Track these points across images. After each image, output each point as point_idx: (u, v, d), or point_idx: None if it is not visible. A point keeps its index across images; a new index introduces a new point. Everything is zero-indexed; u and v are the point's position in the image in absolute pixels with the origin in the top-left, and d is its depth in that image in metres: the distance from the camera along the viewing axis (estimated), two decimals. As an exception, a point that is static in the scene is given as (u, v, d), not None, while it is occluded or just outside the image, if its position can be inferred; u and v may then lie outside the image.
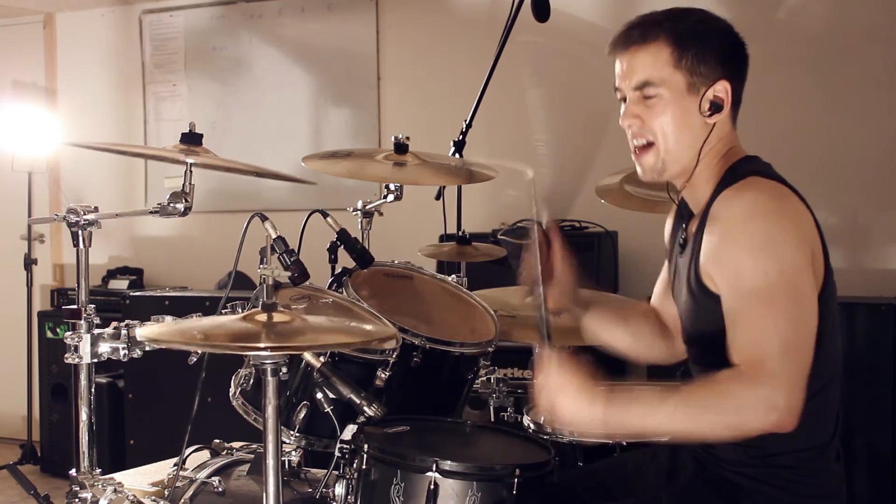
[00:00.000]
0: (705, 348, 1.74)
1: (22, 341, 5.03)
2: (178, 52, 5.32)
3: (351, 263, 2.36)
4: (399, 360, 2.12)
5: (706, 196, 1.73)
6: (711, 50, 1.71)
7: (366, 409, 1.94)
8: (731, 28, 1.77)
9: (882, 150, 3.95)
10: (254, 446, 2.37)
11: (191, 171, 2.07)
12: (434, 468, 1.79)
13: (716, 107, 1.71)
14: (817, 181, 3.96)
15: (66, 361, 2.00)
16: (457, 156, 2.97)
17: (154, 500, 2.17)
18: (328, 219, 2.34)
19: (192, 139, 2.13)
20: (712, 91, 1.71)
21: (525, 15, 2.90)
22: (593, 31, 4.28)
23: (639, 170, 1.80)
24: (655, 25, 1.72)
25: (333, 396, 1.97)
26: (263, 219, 1.97)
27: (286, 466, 2.19)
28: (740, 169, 1.71)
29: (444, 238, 3.44)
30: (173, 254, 5.34)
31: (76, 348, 1.99)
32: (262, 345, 1.67)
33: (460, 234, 3.07)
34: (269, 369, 1.75)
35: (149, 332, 1.83)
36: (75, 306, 2.01)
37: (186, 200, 2.04)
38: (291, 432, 2.12)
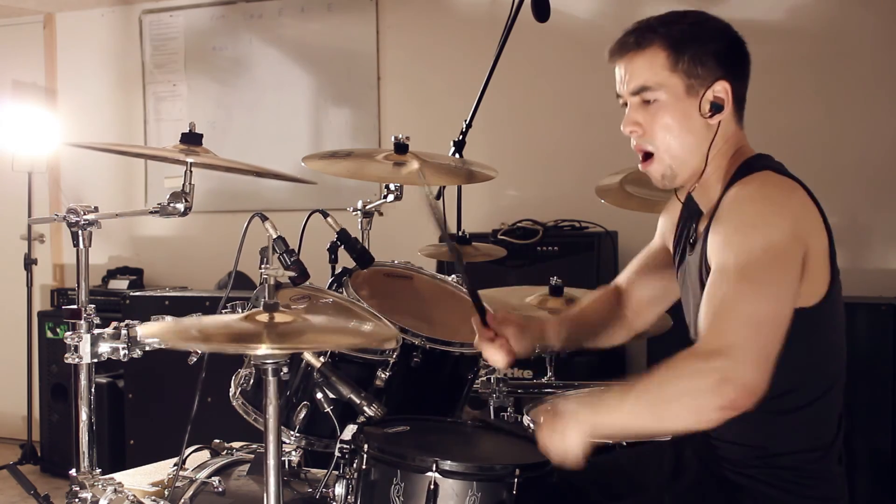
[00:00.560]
0: None
1: (22, 341, 5.03)
2: (178, 52, 5.32)
3: (351, 263, 2.36)
4: (399, 360, 2.12)
5: (717, 195, 1.73)
6: (707, 51, 1.71)
7: (366, 409, 1.94)
8: (729, 28, 1.76)
9: (882, 150, 3.95)
10: (254, 446, 2.37)
11: (191, 171, 2.07)
12: (434, 468, 1.79)
13: (716, 107, 1.71)
14: (817, 181, 3.90)
15: (66, 361, 2.00)
16: (457, 156, 2.96)
17: (154, 500, 2.17)
18: (328, 219, 2.34)
19: (192, 139, 2.13)
20: (711, 92, 1.71)
21: (525, 15, 2.90)
22: (593, 31, 4.28)
23: (653, 179, 1.81)
24: (650, 31, 1.73)
25: (333, 396, 1.97)
26: (263, 219, 1.98)
27: (286, 466, 2.19)
28: (755, 164, 1.71)
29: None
30: (173, 254, 5.34)
31: (76, 348, 1.99)
32: (263, 345, 1.67)
33: (460, 234, 3.07)
34: (269, 369, 1.75)
35: (150, 330, 1.83)
36: (75, 306, 2.02)
37: (186, 200, 2.04)
38: (291, 432, 2.12)
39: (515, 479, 1.80)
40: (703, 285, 1.71)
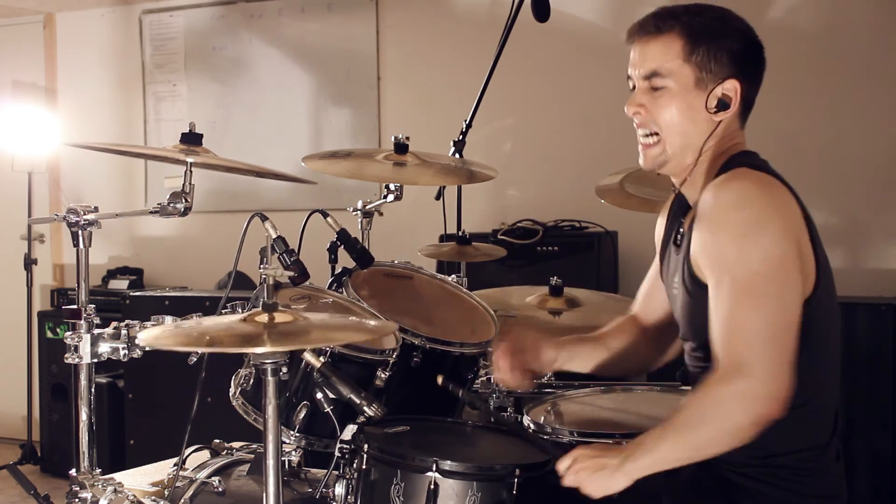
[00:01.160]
0: (702, 343, 1.75)
1: (22, 341, 5.03)
2: (178, 52, 5.32)
3: (351, 263, 2.36)
4: (399, 360, 2.12)
5: (701, 189, 1.74)
6: (724, 47, 1.72)
7: (366, 409, 1.94)
8: (750, 30, 1.77)
9: (882, 150, 3.95)
10: (254, 446, 2.37)
11: (191, 171, 2.07)
12: (434, 468, 1.79)
13: (722, 104, 1.72)
14: (817, 181, 3.96)
15: (66, 361, 2.00)
16: (457, 156, 2.96)
17: (154, 500, 2.17)
18: (328, 219, 2.34)
19: (192, 139, 2.13)
20: (721, 88, 1.72)
21: (525, 15, 2.90)
22: (593, 31, 4.28)
23: (641, 160, 1.81)
24: (671, 17, 1.74)
25: (333, 396, 1.96)
26: (263, 219, 1.98)
27: (286, 466, 2.19)
28: (733, 162, 1.72)
29: (444, 238, 3.44)
30: (173, 254, 5.34)
31: (76, 348, 1.99)
32: (263, 346, 1.67)
33: (460, 234, 3.07)
34: (269, 369, 1.75)
35: (150, 335, 1.83)
36: (75, 306, 2.01)
37: (186, 200, 2.04)
38: (291, 432, 2.12)
39: (515, 479, 1.80)
40: (685, 282, 1.73)
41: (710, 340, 1.65)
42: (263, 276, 1.84)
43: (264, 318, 1.72)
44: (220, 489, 2.16)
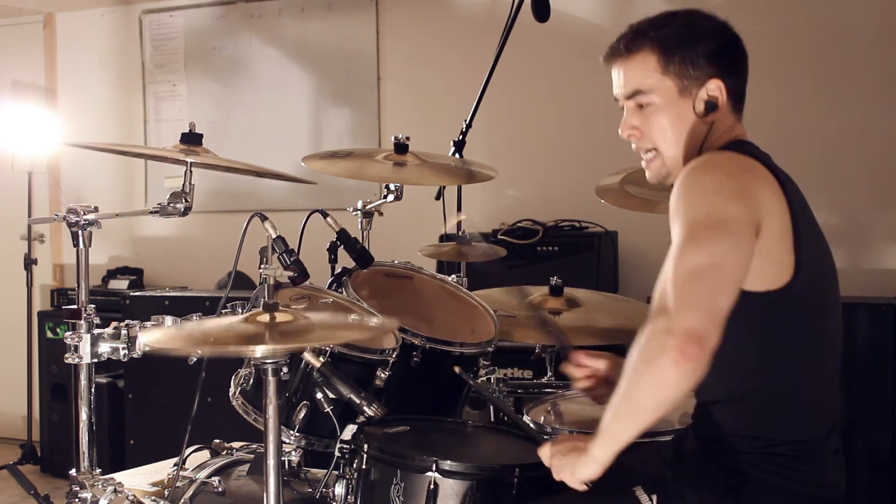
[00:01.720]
0: None
1: (22, 341, 5.03)
2: (178, 52, 5.32)
3: (351, 263, 2.36)
4: (399, 359, 2.12)
5: None
6: (698, 51, 1.73)
7: (366, 409, 1.94)
8: (722, 25, 1.77)
9: (882, 150, 3.95)
10: (254, 446, 2.37)
11: (191, 171, 2.07)
12: (434, 468, 1.79)
13: (710, 106, 1.73)
14: (817, 181, 3.96)
15: (66, 361, 2.00)
16: (457, 156, 2.96)
17: (154, 500, 2.17)
18: (328, 219, 2.34)
19: (192, 139, 2.13)
20: (705, 90, 1.73)
21: (525, 15, 2.90)
22: (593, 31, 4.28)
23: (647, 175, 1.83)
24: (640, 35, 1.75)
25: (333, 396, 1.97)
26: (263, 219, 1.98)
27: (286, 466, 2.19)
28: (723, 147, 1.73)
29: (444, 238, 3.44)
30: (173, 254, 5.34)
31: (76, 348, 1.99)
32: (265, 345, 1.67)
33: (460, 233, 3.06)
34: (269, 369, 1.75)
35: (151, 337, 1.83)
36: (75, 306, 2.01)
37: (186, 200, 2.04)
38: (291, 432, 2.12)
39: (515, 479, 1.80)
40: None
41: None
42: (263, 276, 1.84)
43: (265, 317, 1.73)
44: (220, 489, 2.16)
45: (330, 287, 2.35)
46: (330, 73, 4.97)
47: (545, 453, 1.71)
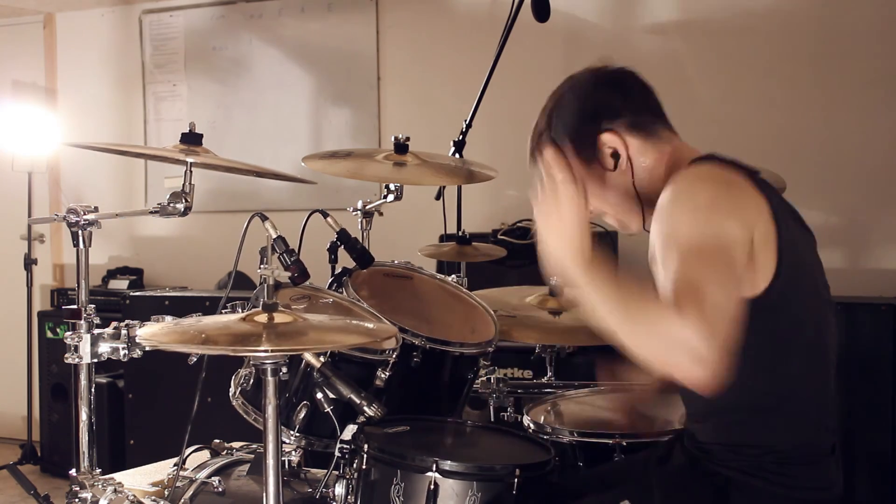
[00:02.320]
0: None
1: (22, 341, 5.03)
2: (178, 52, 5.32)
3: (351, 263, 2.36)
4: (399, 360, 2.12)
5: None
6: (572, 122, 1.79)
7: (366, 409, 1.94)
8: (581, 79, 1.84)
9: (881, 150, 3.95)
10: (254, 446, 2.37)
11: (191, 171, 2.06)
12: (434, 468, 1.79)
13: (616, 156, 1.76)
14: (817, 181, 3.96)
15: (66, 361, 2.00)
16: (457, 156, 2.96)
17: (154, 500, 2.17)
18: (328, 219, 2.34)
19: (192, 139, 2.13)
20: (602, 148, 1.76)
21: (525, 15, 2.90)
22: (593, 31, 4.28)
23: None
24: (537, 137, 1.84)
25: (333, 396, 1.97)
26: (263, 219, 1.98)
27: (286, 466, 2.19)
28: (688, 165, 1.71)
29: (444, 238, 3.44)
30: (173, 254, 5.34)
31: (76, 348, 1.99)
32: (262, 346, 1.67)
33: (460, 234, 3.06)
34: (269, 369, 1.75)
35: (149, 333, 1.83)
36: (75, 306, 2.01)
37: (186, 200, 2.04)
38: (291, 432, 2.12)
39: (515, 479, 1.80)
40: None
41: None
42: (263, 277, 1.84)
43: (263, 318, 1.73)
44: (220, 489, 2.16)
45: (330, 287, 2.35)
46: (330, 73, 4.97)
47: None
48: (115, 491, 2.01)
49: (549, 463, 1.90)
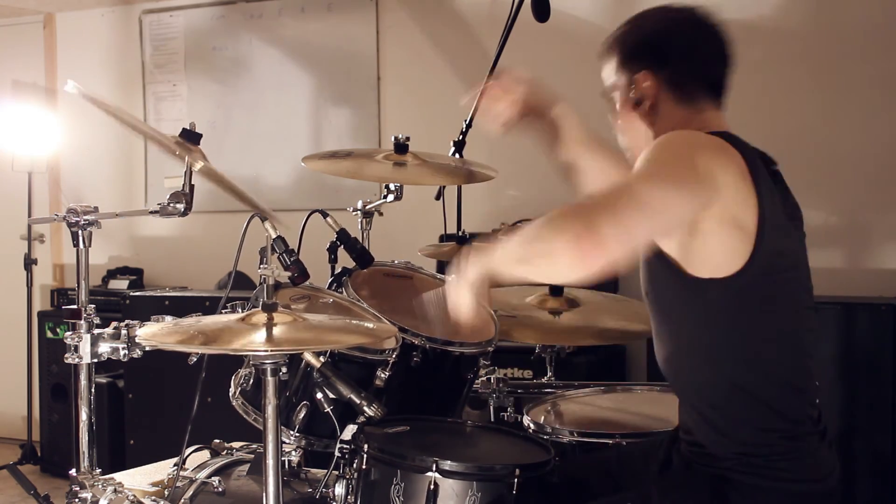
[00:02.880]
0: (653, 312, 1.78)
1: (22, 341, 5.03)
2: (178, 52, 5.32)
3: (351, 263, 2.36)
4: (399, 359, 2.12)
5: None
6: (631, 47, 1.81)
7: (366, 409, 1.94)
8: (658, 15, 1.82)
9: (881, 149, 3.95)
10: (254, 446, 2.37)
11: (190, 171, 2.06)
12: (434, 468, 1.79)
13: (641, 98, 1.79)
14: (817, 181, 3.96)
15: (66, 361, 2.00)
16: (457, 156, 2.96)
17: (154, 500, 2.17)
18: (328, 219, 2.34)
19: (190, 136, 2.13)
20: (636, 85, 1.79)
21: (525, 15, 2.90)
22: (593, 31, 4.27)
23: None
24: (609, 38, 1.86)
25: (333, 396, 1.97)
26: (263, 219, 1.97)
27: (286, 466, 2.19)
28: None
29: (444, 238, 3.44)
30: (173, 254, 5.34)
31: (76, 348, 1.99)
32: (262, 347, 1.67)
33: (460, 234, 3.06)
34: (268, 369, 1.75)
35: (149, 333, 1.83)
36: (75, 306, 2.01)
37: (186, 200, 2.04)
38: (291, 432, 2.12)
39: (515, 479, 1.80)
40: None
41: (659, 309, 1.74)
42: (263, 277, 1.84)
43: (263, 318, 1.73)
44: (220, 489, 2.16)
45: (330, 287, 2.35)
46: (330, 73, 4.97)
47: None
48: (115, 491, 2.01)
49: (549, 463, 1.90)
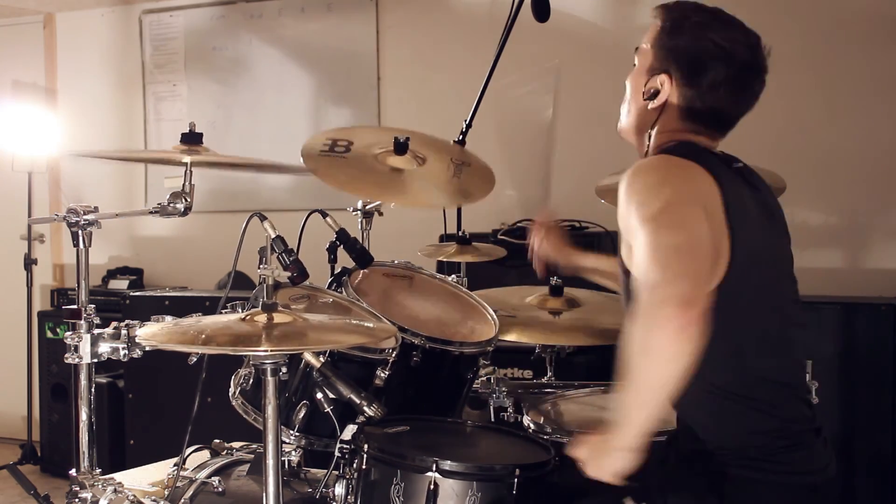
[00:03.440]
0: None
1: (22, 341, 5.03)
2: (178, 52, 5.32)
3: (351, 263, 2.36)
4: (399, 359, 2.12)
5: None
6: (672, 42, 1.78)
7: (366, 409, 1.94)
8: (720, 40, 1.76)
9: (882, 149, 3.95)
10: (254, 446, 2.37)
11: (190, 171, 2.06)
12: (434, 468, 1.79)
13: (652, 95, 1.80)
14: (817, 181, 3.96)
15: (66, 361, 2.00)
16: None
17: (154, 500, 2.17)
18: (328, 219, 2.34)
19: (192, 139, 2.13)
20: (657, 79, 1.80)
21: (525, 15, 2.90)
22: (593, 31, 4.27)
23: None
24: (668, 7, 1.83)
25: (333, 396, 1.97)
26: (263, 219, 1.97)
27: (286, 466, 2.19)
28: (659, 150, 1.78)
29: (444, 238, 3.44)
30: (173, 254, 5.34)
31: (76, 348, 1.99)
32: (261, 347, 1.67)
33: (460, 234, 3.06)
34: (268, 369, 1.75)
35: (149, 332, 1.83)
36: (75, 306, 2.01)
37: (186, 200, 2.04)
38: (291, 432, 2.12)
39: (515, 479, 1.80)
40: (619, 265, 1.80)
41: None
42: (263, 276, 1.84)
43: (262, 318, 1.73)
44: (220, 489, 2.16)
45: (329, 287, 2.35)
46: (330, 73, 4.97)
47: (581, 453, 1.70)
48: (115, 491, 2.01)
49: (549, 463, 1.90)
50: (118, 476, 2.21)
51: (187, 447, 2.23)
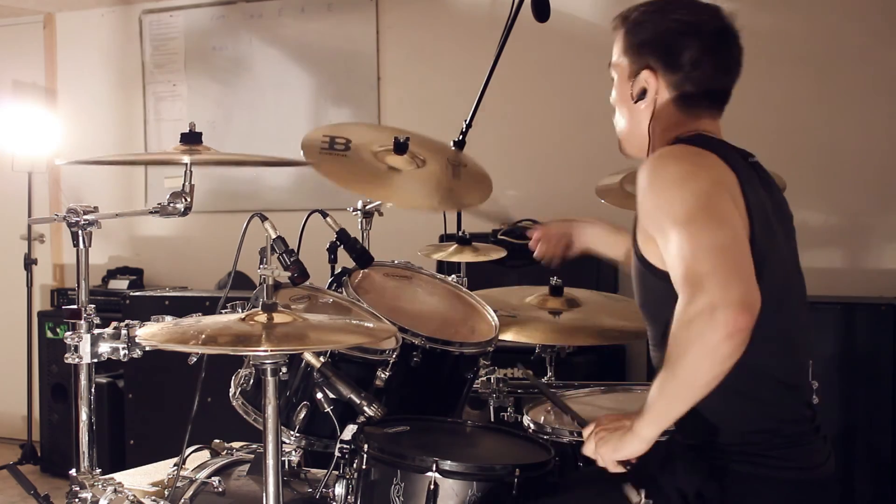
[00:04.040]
0: (650, 324, 1.80)
1: (22, 341, 5.03)
2: (178, 52, 5.32)
3: (351, 263, 2.36)
4: (399, 359, 2.12)
5: None
6: (645, 38, 1.79)
7: (366, 409, 1.94)
8: (683, 17, 1.77)
9: (882, 149, 3.95)
10: (254, 446, 2.37)
11: (190, 171, 2.06)
12: (434, 468, 1.79)
13: (640, 94, 1.80)
14: (817, 181, 3.96)
15: (66, 361, 2.00)
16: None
17: (154, 500, 2.17)
18: (328, 219, 2.34)
19: (192, 139, 2.13)
20: (641, 77, 1.79)
21: (525, 15, 2.90)
22: (593, 31, 4.27)
23: None
24: (624, 14, 1.84)
25: (333, 396, 1.97)
26: (263, 219, 1.97)
27: (286, 466, 2.19)
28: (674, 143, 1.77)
29: (444, 238, 3.44)
30: (173, 254, 5.34)
31: (76, 348, 1.99)
32: (261, 347, 1.67)
33: (460, 234, 3.06)
34: (268, 369, 1.75)
35: (149, 333, 1.83)
36: (75, 306, 2.01)
37: (186, 200, 2.04)
38: (291, 432, 2.12)
39: (515, 479, 1.80)
40: (635, 261, 1.76)
41: (654, 320, 1.74)
42: (263, 277, 1.84)
43: (262, 318, 1.73)
44: (220, 489, 2.16)
45: (330, 287, 2.35)
46: (330, 73, 4.97)
47: (587, 430, 1.71)
48: (115, 491, 2.01)
49: (549, 463, 1.90)
50: (118, 476, 2.21)
51: (187, 447, 2.23)
